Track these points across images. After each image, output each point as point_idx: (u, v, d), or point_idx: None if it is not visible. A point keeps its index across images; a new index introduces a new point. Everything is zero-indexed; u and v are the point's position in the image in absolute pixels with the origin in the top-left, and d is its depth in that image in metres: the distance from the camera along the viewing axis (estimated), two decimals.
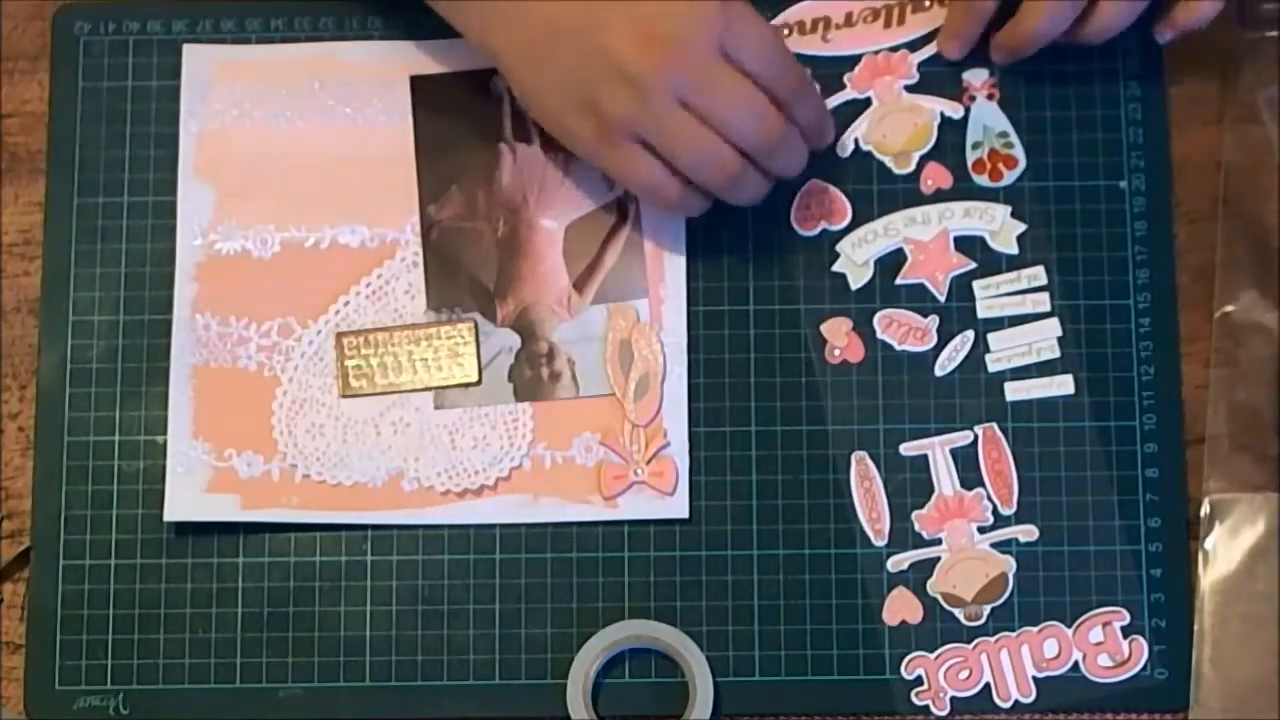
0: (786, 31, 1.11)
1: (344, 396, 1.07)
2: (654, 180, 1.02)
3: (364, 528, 1.06)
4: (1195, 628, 1.04)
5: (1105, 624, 1.05)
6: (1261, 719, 1.03)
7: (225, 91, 1.10)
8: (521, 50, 1.01)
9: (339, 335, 1.08)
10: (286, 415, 1.07)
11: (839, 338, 1.08)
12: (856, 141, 1.10)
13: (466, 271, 1.08)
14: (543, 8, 1.00)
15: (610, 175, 1.05)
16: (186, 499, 1.06)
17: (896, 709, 1.05)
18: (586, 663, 1.04)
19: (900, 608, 1.05)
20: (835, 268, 1.09)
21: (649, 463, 1.06)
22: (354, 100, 1.10)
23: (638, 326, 1.07)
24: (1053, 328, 1.07)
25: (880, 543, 1.06)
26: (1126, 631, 1.05)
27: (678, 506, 1.06)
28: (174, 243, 1.09)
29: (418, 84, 1.10)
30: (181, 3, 1.11)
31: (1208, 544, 1.05)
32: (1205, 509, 1.05)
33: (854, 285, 1.09)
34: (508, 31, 1.02)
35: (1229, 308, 1.07)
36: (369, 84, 1.10)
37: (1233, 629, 1.04)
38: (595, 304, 1.08)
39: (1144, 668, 1.04)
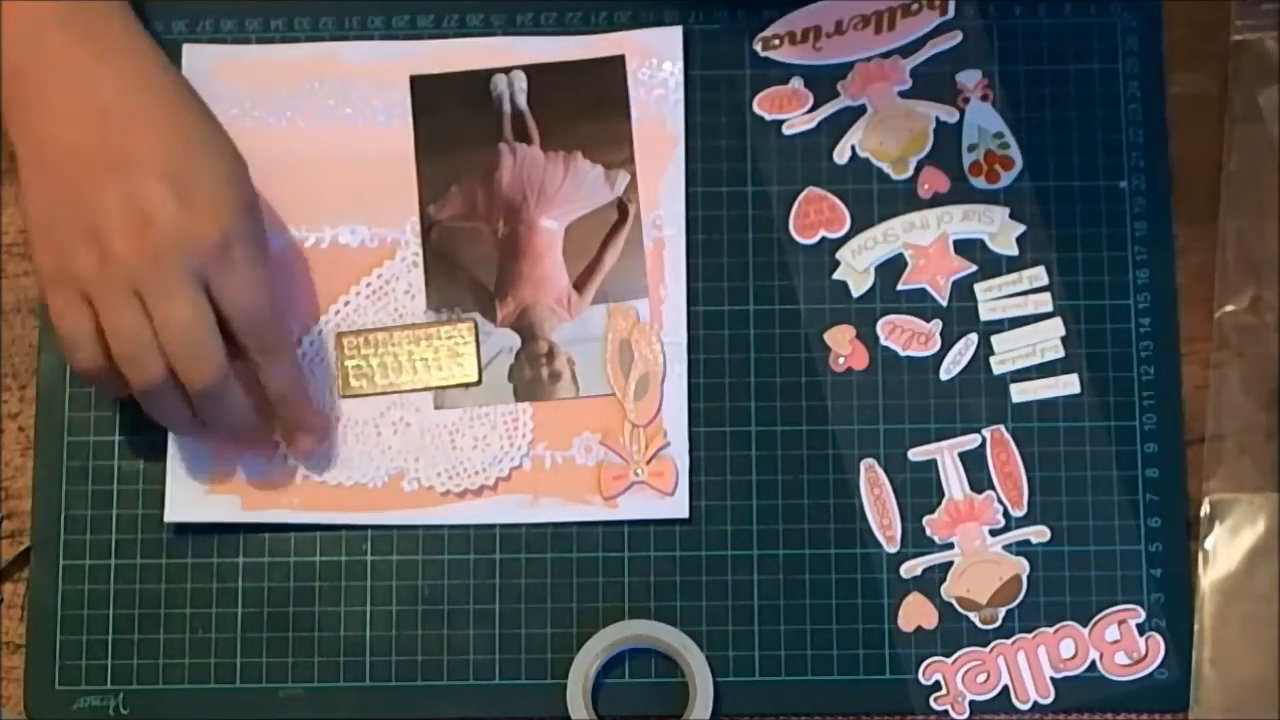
0: (777, 42, 1.11)
1: (344, 396, 1.07)
2: (78, 335, 0.99)
3: (364, 528, 1.06)
4: (1195, 628, 1.04)
5: (1121, 621, 1.05)
6: (1262, 719, 1.03)
7: (225, 91, 1.10)
8: (31, 160, 1.00)
9: (339, 335, 1.08)
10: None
11: (843, 345, 1.08)
12: (853, 149, 1.10)
13: (466, 271, 1.08)
14: (63, 142, 0.99)
15: (47, 313, 1.02)
16: (187, 499, 1.06)
17: (915, 712, 1.05)
18: (586, 663, 1.04)
19: (915, 613, 1.05)
20: (836, 275, 1.09)
21: (649, 463, 1.06)
22: (354, 100, 1.10)
23: (638, 326, 1.07)
24: (1056, 328, 1.07)
25: (892, 549, 1.06)
26: (1142, 629, 1.05)
27: (678, 506, 1.06)
28: None
29: (418, 84, 1.10)
30: (182, 3, 1.11)
31: (1208, 544, 1.05)
32: (1205, 509, 1.05)
33: (855, 292, 1.09)
34: (27, 138, 1.00)
35: (1229, 308, 1.07)
36: (369, 84, 1.10)
37: (1233, 629, 1.04)
38: (595, 304, 1.08)
39: (1161, 664, 1.04)
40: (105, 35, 1.01)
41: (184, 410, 1.01)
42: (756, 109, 1.10)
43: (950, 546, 1.06)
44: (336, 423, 1.07)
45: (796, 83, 1.11)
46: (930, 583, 1.05)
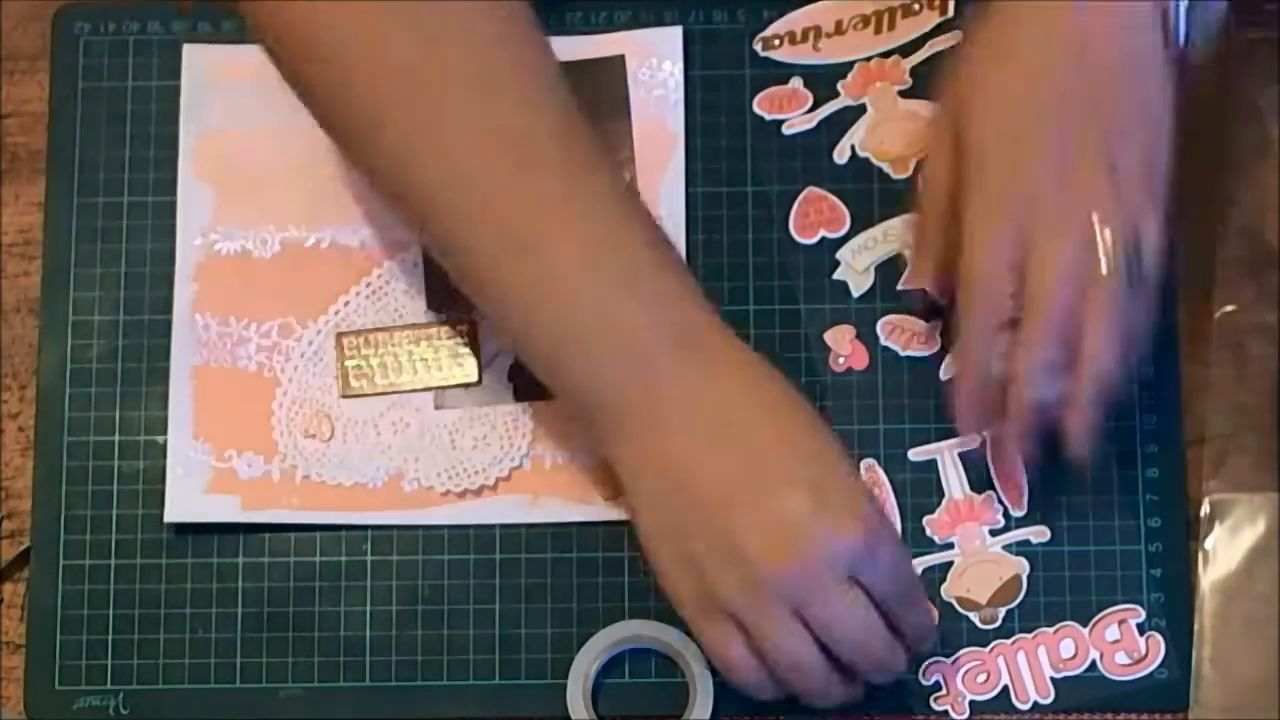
0: (777, 42, 1.11)
1: (344, 396, 1.07)
2: (738, 663, 0.95)
3: (364, 528, 1.06)
4: (1195, 628, 1.04)
5: (1121, 621, 1.05)
6: (1262, 719, 1.03)
7: (225, 91, 1.10)
8: (650, 486, 0.96)
9: (339, 335, 1.08)
10: (286, 415, 1.07)
11: (843, 346, 1.08)
12: (853, 148, 1.10)
13: None
14: (688, 463, 0.94)
15: (697, 641, 0.99)
16: (187, 500, 1.06)
17: (915, 712, 1.05)
18: (586, 663, 1.04)
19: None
20: (836, 275, 1.09)
21: None
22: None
23: None
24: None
25: None
26: (1142, 628, 1.05)
27: None
28: (174, 243, 1.09)
29: None
30: (181, 3, 1.11)
31: (1208, 544, 1.05)
32: (1205, 509, 1.05)
33: (855, 292, 1.09)
34: (642, 462, 0.96)
35: (1229, 308, 1.07)
36: None
37: (1233, 629, 1.04)
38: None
39: (1161, 664, 1.04)
40: (716, 351, 0.96)
41: (847, 689, 0.98)
42: (756, 109, 1.10)
43: (950, 546, 1.06)
44: (338, 422, 1.07)
45: (796, 82, 1.11)
46: (930, 583, 1.05)
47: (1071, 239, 0.95)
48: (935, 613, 1.03)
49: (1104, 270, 0.95)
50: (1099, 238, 0.95)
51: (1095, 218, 0.95)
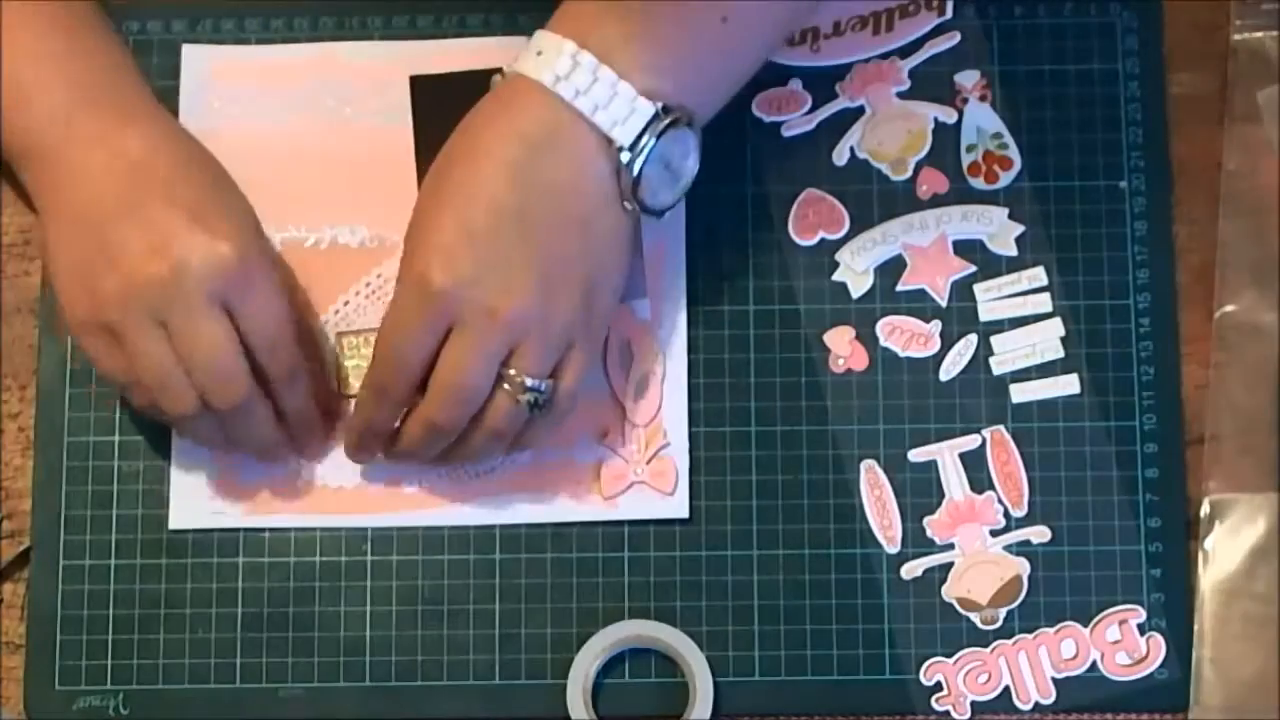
0: None
1: (344, 396, 1.07)
2: (110, 371, 1.00)
3: (364, 528, 1.06)
4: (1195, 628, 1.04)
5: (1122, 621, 1.05)
6: (1261, 719, 1.03)
7: (225, 91, 1.10)
8: (64, 210, 1.00)
9: (339, 335, 1.08)
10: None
11: (842, 347, 1.08)
12: (852, 150, 1.10)
13: None
14: (93, 192, 0.99)
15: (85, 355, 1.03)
16: (191, 506, 1.06)
17: (917, 712, 1.05)
18: (586, 663, 1.04)
19: (916, 613, 1.05)
20: (835, 276, 1.09)
21: (649, 463, 1.06)
22: (354, 100, 1.10)
23: (638, 326, 1.07)
24: (1055, 328, 1.07)
25: (893, 549, 1.06)
26: (1142, 629, 1.05)
27: (678, 506, 1.06)
28: None
29: (418, 84, 1.10)
30: (182, 3, 1.11)
31: (1208, 544, 1.05)
32: (1205, 509, 1.05)
33: (855, 293, 1.09)
34: (63, 185, 1.01)
35: (1229, 308, 1.07)
36: (369, 84, 1.10)
37: (1233, 629, 1.04)
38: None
39: (1161, 664, 1.04)
40: (129, 104, 1.02)
41: (217, 433, 1.02)
42: (755, 110, 1.10)
43: (951, 547, 1.06)
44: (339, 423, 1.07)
45: (795, 84, 1.11)
46: (931, 584, 1.05)
47: (492, 358, 0.98)
48: (327, 435, 1.07)
49: (509, 396, 0.99)
50: (520, 375, 0.99)
51: (522, 346, 0.98)
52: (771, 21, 1.03)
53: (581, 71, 0.97)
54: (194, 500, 1.06)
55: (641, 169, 0.98)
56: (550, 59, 0.97)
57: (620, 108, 0.97)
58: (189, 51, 1.11)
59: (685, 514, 1.06)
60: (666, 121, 0.98)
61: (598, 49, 0.97)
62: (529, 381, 0.99)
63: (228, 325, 0.98)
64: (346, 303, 1.08)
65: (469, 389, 0.98)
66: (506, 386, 0.99)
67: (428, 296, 0.97)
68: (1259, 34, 1.09)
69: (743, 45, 1.02)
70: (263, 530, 1.06)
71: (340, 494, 1.06)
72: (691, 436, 1.07)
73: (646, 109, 0.98)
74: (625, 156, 0.98)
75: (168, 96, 1.10)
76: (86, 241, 0.98)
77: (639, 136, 0.98)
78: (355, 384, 1.07)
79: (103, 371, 1.00)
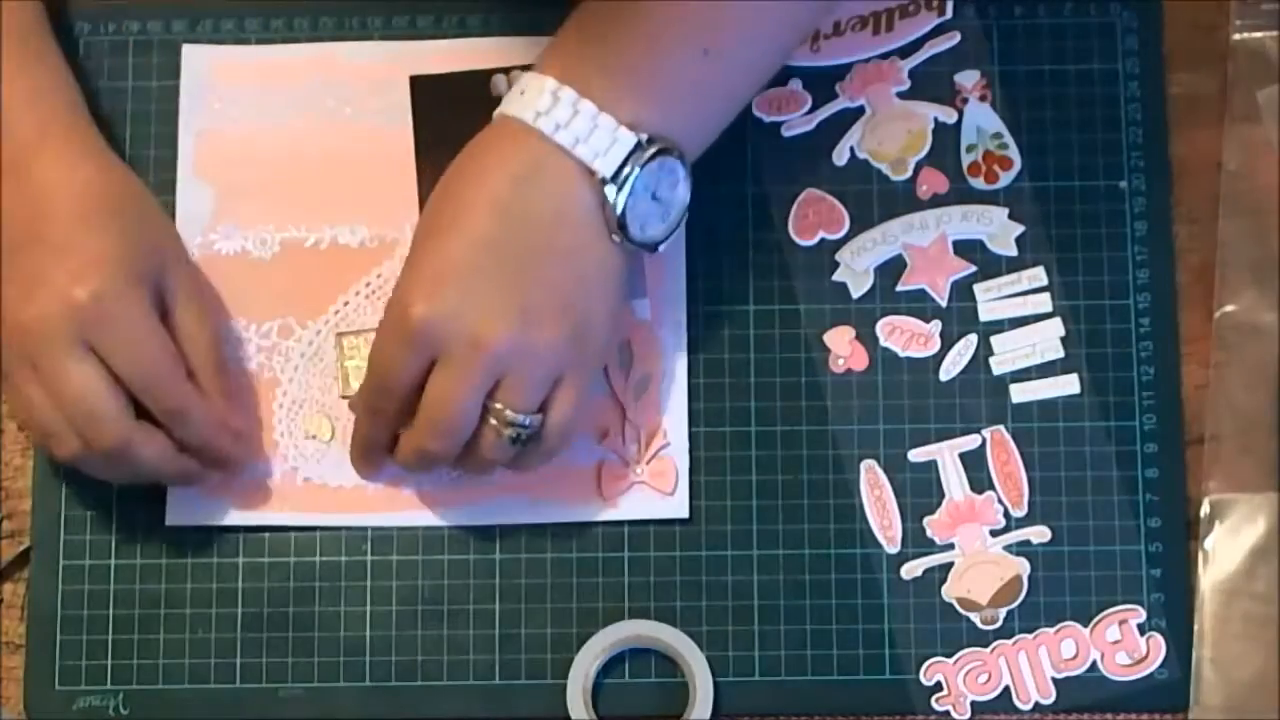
0: None
1: (344, 397, 1.07)
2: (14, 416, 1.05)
3: (364, 528, 1.06)
4: (1195, 628, 1.04)
5: (1122, 621, 1.05)
6: (1261, 719, 1.03)
7: (225, 91, 1.10)
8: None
9: (339, 335, 1.08)
10: (286, 416, 1.07)
11: (842, 347, 1.08)
12: (852, 150, 1.10)
13: None
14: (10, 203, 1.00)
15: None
16: (187, 503, 1.06)
17: (917, 712, 1.05)
18: (586, 663, 1.04)
19: (916, 613, 1.05)
20: (835, 277, 1.09)
21: (649, 463, 1.06)
22: (354, 100, 1.10)
23: (638, 326, 1.07)
24: (1055, 328, 1.07)
25: (893, 549, 1.06)
26: (1142, 629, 1.05)
27: (678, 506, 1.06)
28: None
29: (418, 84, 1.10)
30: (182, 3, 1.11)
31: (1208, 544, 1.05)
32: (1205, 509, 1.05)
33: (855, 293, 1.09)
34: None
35: (1229, 308, 1.07)
36: (369, 84, 1.10)
37: (1233, 629, 1.04)
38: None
39: (1161, 664, 1.04)
40: (44, 129, 1.03)
41: (117, 469, 1.02)
42: (755, 110, 1.10)
43: (951, 547, 1.06)
44: (338, 423, 1.07)
45: (795, 84, 1.11)
46: (931, 584, 1.05)
47: (477, 390, 0.98)
48: (243, 447, 1.06)
49: (494, 430, 0.99)
50: (505, 408, 0.99)
51: (508, 378, 0.99)
52: (758, 54, 1.03)
53: (562, 106, 0.98)
54: (190, 497, 1.06)
55: (627, 200, 0.98)
56: (532, 97, 0.98)
57: (601, 139, 0.98)
58: (189, 51, 1.11)
59: (685, 514, 1.06)
60: (651, 152, 0.98)
61: (579, 84, 0.98)
62: (513, 416, 0.99)
63: (95, 367, 0.98)
64: (346, 303, 1.08)
65: (455, 421, 0.99)
66: (493, 420, 0.99)
67: (409, 327, 0.98)
68: (1259, 34, 1.09)
69: (727, 78, 1.02)
70: (262, 530, 1.06)
71: (339, 493, 1.06)
72: (691, 436, 1.07)
73: (628, 139, 0.98)
74: (610, 190, 0.98)
75: (168, 96, 1.10)
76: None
77: (621, 167, 0.98)
78: (355, 384, 1.07)
79: (10, 414, 1.05)
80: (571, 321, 0.99)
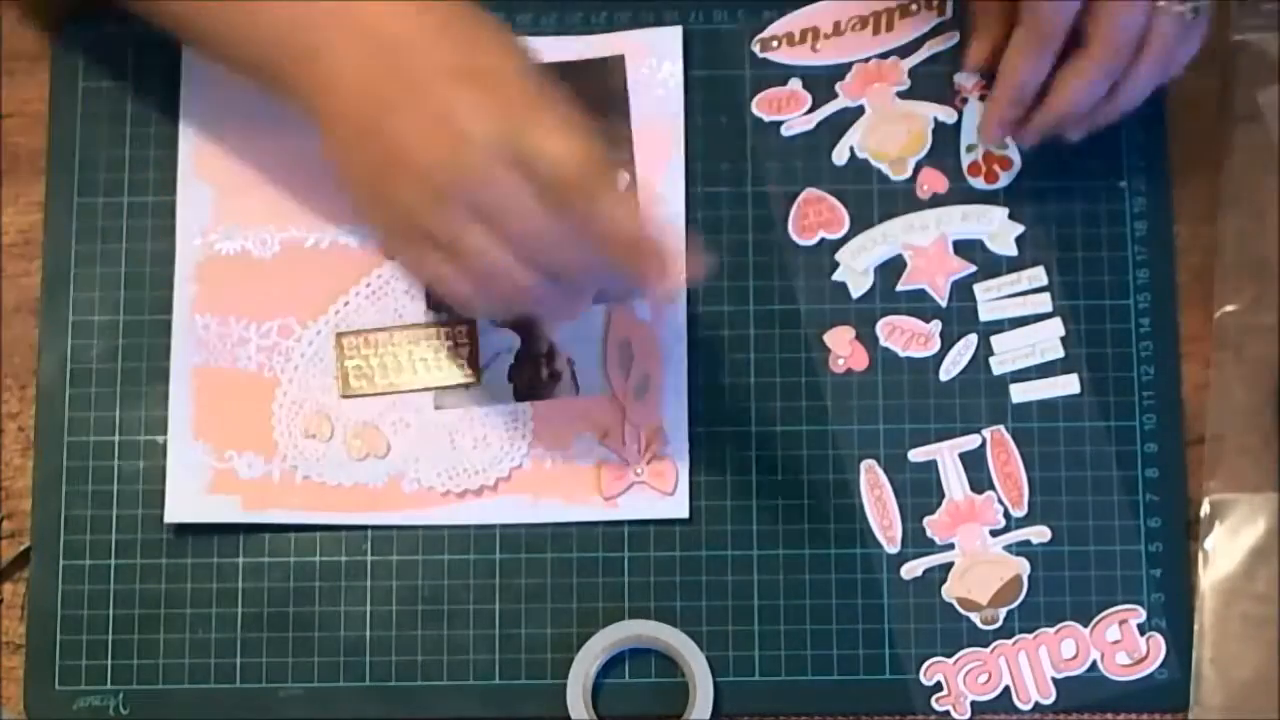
0: (775, 44, 1.11)
1: (344, 397, 1.07)
2: (438, 276, 0.95)
3: (364, 528, 1.06)
4: (1195, 628, 1.04)
5: (1122, 621, 1.05)
6: (1261, 719, 1.03)
7: (225, 91, 1.10)
8: (342, 127, 0.95)
9: (339, 335, 1.08)
10: (287, 416, 1.07)
11: (842, 346, 1.08)
12: (852, 150, 1.10)
13: None
14: (364, 73, 0.94)
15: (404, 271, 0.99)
16: (187, 500, 1.06)
17: (917, 712, 1.05)
18: (586, 663, 1.04)
19: (916, 613, 1.06)
20: (835, 276, 1.09)
21: (649, 463, 1.06)
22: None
23: (638, 326, 1.07)
24: (1055, 328, 1.07)
25: (893, 549, 1.06)
26: (1142, 629, 1.05)
27: (678, 506, 1.06)
28: (174, 243, 1.09)
29: None
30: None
31: (1208, 544, 1.05)
32: (1205, 509, 1.05)
33: (855, 293, 1.09)
34: (320, 81, 0.95)
35: (1229, 308, 1.07)
36: None
37: (1233, 629, 1.04)
38: (595, 304, 1.07)
39: (1161, 664, 1.04)
40: None
41: (559, 300, 0.96)
42: (755, 110, 1.10)
43: (951, 547, 1.06)
44: (338, 422, 1.07)
45: (795, 84, 1.11)
46: (931, 584, 1.06)
47: None
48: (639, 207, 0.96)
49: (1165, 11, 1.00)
50: None
51: None
52: None
53: None
54: (190, 494, 1.06)
55: None
56: None
57: None
58: (189, 52, 1.11)
59: (685, 514, 1.06)
60: None
61: None
62: None
63: (532, 189, 0.91)
64: (346, 303, 1.08)
65: (1132, 18, 1.00)
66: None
67: None
68: (1259, 34, 1.10)
69: None
70: (262, 530, 1.06)
71: (339, 493, 1.06)
72: (691, 436, 1.07)
73: None
74: None
75: (168, 96, 1.10)
76: (370, 150, 0.93)
77: None
78: (355, 384, 1.07)
79: (426, 279, 0.97)
80: None
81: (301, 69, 0.95)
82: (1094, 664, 1.05)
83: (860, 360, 1.08)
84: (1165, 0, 0.99)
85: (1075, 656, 1.05)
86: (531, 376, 1.07)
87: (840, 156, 1.10)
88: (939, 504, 1.07)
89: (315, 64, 0.95)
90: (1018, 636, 1.05)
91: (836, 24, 1.12)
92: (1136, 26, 1.00)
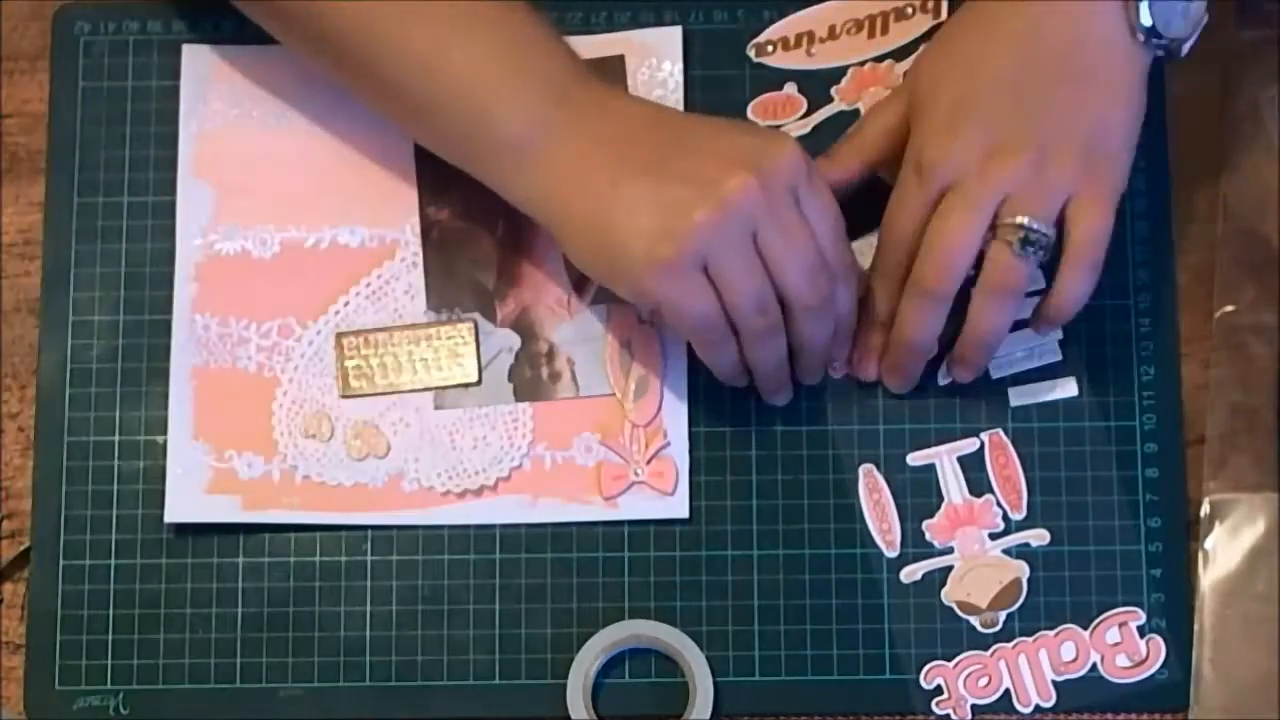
0: (770, 49, 1.11)
1: (344, 397, 1.07)
2: (702, 311, 0.98)
3: (364, 528, 1.06)
4: (1195, 628, 1.04)
5: (1121, 624, 1.05)
6: (1261, 719, 1.03)
7: (225, 91, 1.10)
8: (572, 186, 0.99)
9: (339, 335, 1.08)
10: (286, 416, 1.07)
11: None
12: None
13: (466, 272, 1.08)
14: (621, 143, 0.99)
15: (663, 309, 1.00)
16: (187, 500, 1.06)
17: (917, 713, 1.05)
18: (586, 663, 1.04)
19: (916, 616, 1.05)
20: None
21: (649, 463, 1.06)
22: (354, 100, 1.10)
23: (638, 326, 1.07)
24: (1053, 330, 1.07)
25: (892, 553, 1.06)
26: (1142, 631, 1.05)
27: (678, 506, 1.06)
28: (174, 243, 1.09)
29: None
30: (182, 3, 1.11)
31: (1208, 544, 1.05)
32: (1205, 509, 1.05)
33: None
34: (565, 169, 0.99)
35: (1229, 308, 1.07)
36: None
37: (1233, 629, 1.04)
38: (595, 304, 1.08)
39: (1162, 665, 1.04)
40: (607, 86, 1.02)
41: (778, 354, 1.03)
42: (751, 114, 1.10)
43: (950, 550, 1.06)
44: (338, 422, 1.07)
45: (790, 88, 1.11)
46: (930, 587, 1.05)
47: (980, 210, 0.99)
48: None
49: (1001, 244, 0.99)
50: (1011, 218, 0.99)
51: (1013, 197, 0.99)
52: None
53: None
54: (189, 494, 1.06)
55: None
56: None
57: None
58: (189, 51, 1.11)
59: (685, 514, 1.06)
60: None
61: None
62: (1021, 220, 0.99)
63: (809, 226, 0.99)
64: (347, 303, 1.08)
65: (957, 244, 0.99)
66: (1003, 237, 0.99)
67: (922, 176, 0.99)
68: (1259, 34, 1.10)
69: None
70: (262, 530, 1.06)
71: (339, 492, 1.06)
72: (691, 436, 1.07)
73: None
74: None
75: (168, 96, 1.10)
76: (640, 195, 0.97)
77: None
78: (355, 384, 1.07)
79: (684, 314, 0.98)
80: (1084, 146, 0.99)
81: (512, 169, 1.01)
82: (1094, 666, 1.05)
83: None
84: (1000, 229, 0.99)
85: (1075, 659, 1.05)
86: (531, 376, 1.07)
87: None
88: (938, 507, 1.06)
89: (533, 164, 1.00)
90: (1017, 639, 1.05)
91: (832, 28, 1.12)
92: (954, 247, 0.99)
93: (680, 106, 1.09)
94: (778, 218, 0.97)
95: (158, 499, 1.06)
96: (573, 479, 1.06)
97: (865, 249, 1.06)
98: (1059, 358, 1.07)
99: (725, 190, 0.95)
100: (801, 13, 1.12)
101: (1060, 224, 0.99)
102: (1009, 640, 1.05)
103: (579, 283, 1.08)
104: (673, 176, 0.96)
